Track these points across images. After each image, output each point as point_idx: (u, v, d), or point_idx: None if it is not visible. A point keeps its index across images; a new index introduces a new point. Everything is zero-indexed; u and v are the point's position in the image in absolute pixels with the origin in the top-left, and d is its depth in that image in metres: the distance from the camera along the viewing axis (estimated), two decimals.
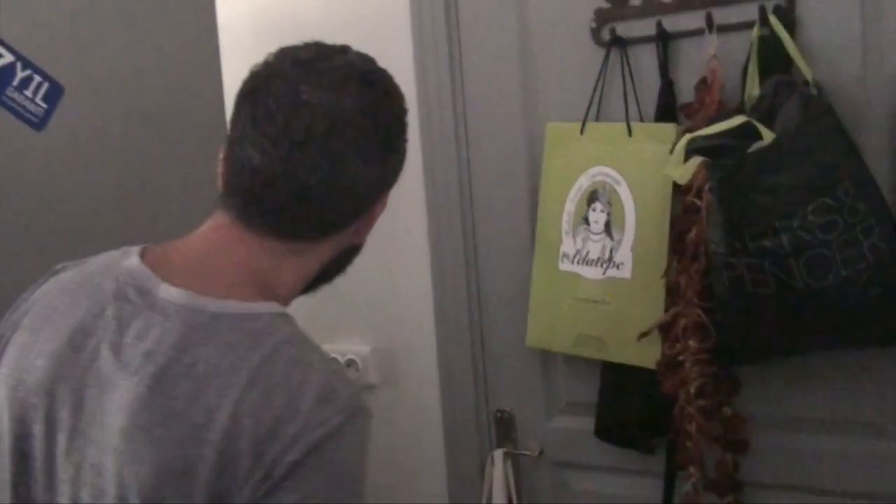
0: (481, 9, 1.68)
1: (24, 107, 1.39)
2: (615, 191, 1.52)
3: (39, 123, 1.41)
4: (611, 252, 1.52)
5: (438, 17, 1.72)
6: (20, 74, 1.37)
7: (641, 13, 1.52)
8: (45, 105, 1.42)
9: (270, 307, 0.91)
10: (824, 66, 1.36)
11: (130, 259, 0.93)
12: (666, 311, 1.43)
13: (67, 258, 1.48)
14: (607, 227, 1.53)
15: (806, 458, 1.44)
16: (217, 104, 1.75)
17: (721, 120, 1.34)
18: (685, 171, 1.29)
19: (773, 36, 1.36)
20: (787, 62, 1.35)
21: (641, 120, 1.52)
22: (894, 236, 1.21)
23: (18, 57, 1.39)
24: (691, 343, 1.38)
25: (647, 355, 1.46)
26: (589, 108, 1.56)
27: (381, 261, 1.75)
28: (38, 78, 1.40)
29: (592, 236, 1.55)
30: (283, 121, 0.89)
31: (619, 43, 1.54)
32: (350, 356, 1.82)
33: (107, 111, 1.54)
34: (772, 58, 1.36)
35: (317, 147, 0.89)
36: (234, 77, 1.91)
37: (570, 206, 1.57)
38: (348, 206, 0.94)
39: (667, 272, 1.44)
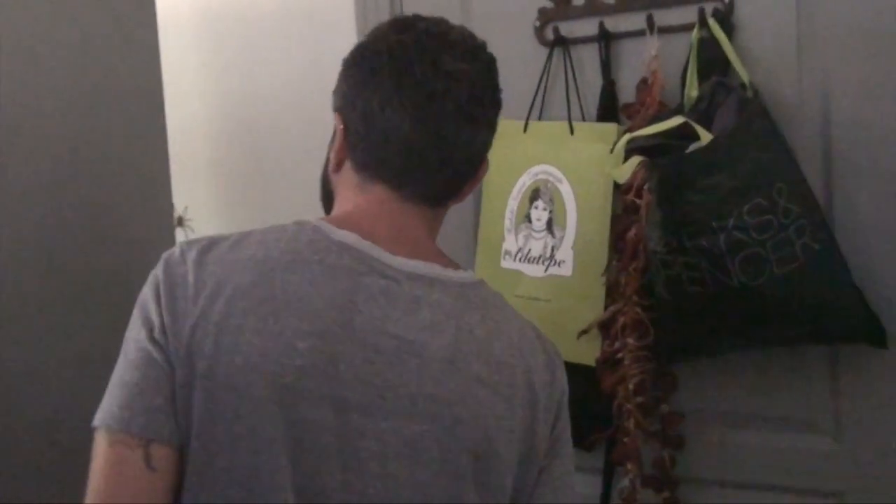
0: (425, 4, 1.67)
1: None
2: (557, 189, 1.53)
3: None
4: (552, 250, 1.53)
5: (383, 9, 1.71)
6: None
7: (584, 13, 1.53)
8: None
9: (472, 273, 0.99)
10: (760, 68, 1.39)
11: (340, 233, 0.90)
12: (606, 308, 1.45)
13: None
14: (549, 225, 1.54)
15: (741, 454, 1.47)
16: (156, 98, 1.72)
17: (660, 119, 1.36)
18: (624, 171, 1.30)
19: (712, 38, 1.39)
20: (725, 64, 1.38)
21: (584, 119, 1.54)
22: (825, 236, 1.24)
23: None
24: (630, 340, 1.40)
25: (587, 353, 1.48)
26: (532, 106, 1.56)
27: None
28: None
29: (534, 234, 1.56)
30: (432, 90, 0.92)
31: (562, 42, 1.55)
32: None
33: (40, 104, 1.50)
34: (710, 60, 1.38)
35: (462, 115, 0.94)
36: (173, 69, 1.88)
37: (512, 204, 1.58)
38: (472, 169, 1.00)
39: (607, 270, 1.45)
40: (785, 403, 1.43)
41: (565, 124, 1.53)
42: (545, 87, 1.57)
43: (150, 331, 0.86)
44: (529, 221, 1.56)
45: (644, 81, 1.45)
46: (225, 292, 0.85)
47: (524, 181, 1.57)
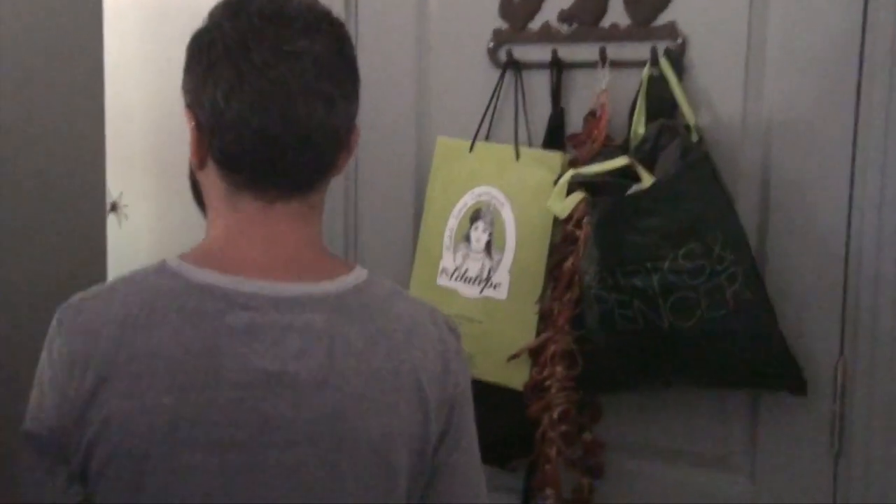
0: (380, 17, 1.66)
1: None
2: (498, 212, 1.53)
3: None
4: (489, 272, 1.53)
5: (336, 9, 1.68)
6: None
7: (538, 39, 1.54)
8: None
9: (360, 273, 0.98)
10: (707, 110, 1.41)
11: (199, 274, 0.90)
12: (538, 335, 1.46)
13: None
14: (488, 247, 1.54)
15: (659, 487, 1.49)
16: (96, 83, 1.67)
17: (606, 154, 1.37)
18: (566, 206, 1.31)
19: (662, 77, 1.40)
20: (673, 104, 1.39)
21: (530, 144, 1.54)
22: (756, 286, 1.26)
23: None
24: (559, 369, 1.41)
25: (515, 377, 1.48)
26: (480, 126, 1.56)
27: None
28: None
29: (473, 254, 1.56)
30: (275, 74, 0.89)
31: (514, 66, 1.55)
32: None
33: None
34: (659, 98, 1.40)
35: (312, 94, 0.90)
36: (115, 55, 1.83)
37: (452, 223, 1.58)
38: (339, 143, 0.96)
39: (541, 298, 1.46)
40: (705, 441, 1.46)
41: (511, 148, 1.53)
42: (494, 109, 1.56)
43: (50, 409, 0.91)
44: (468, 241, 1.56)
45: (592, 113, 1.46)
46: (93, 363, 0.88)
47: (466, 200, 1.57)
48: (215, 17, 0.94)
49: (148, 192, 2.03)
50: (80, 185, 1.67)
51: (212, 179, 0.95)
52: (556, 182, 1.37)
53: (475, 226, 1.56)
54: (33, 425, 0.91)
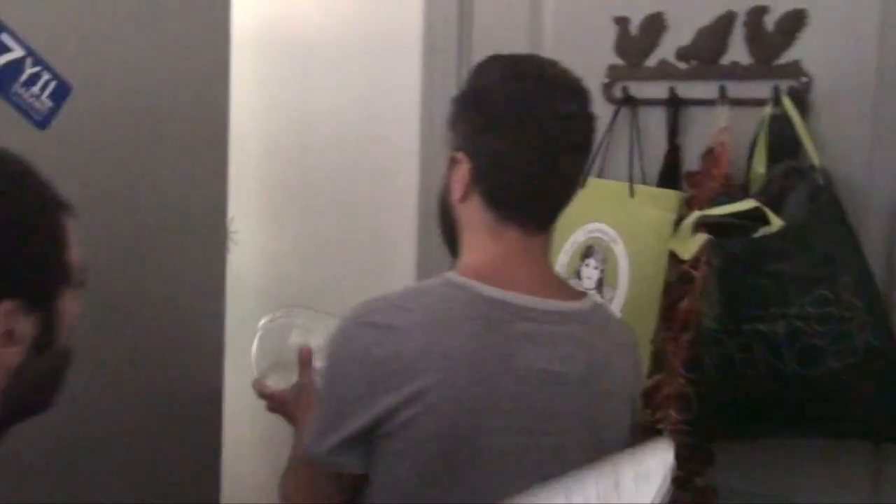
0: (495, 42, 1.67)
1: (30, 104, 1.33)
2: (611, 249, 1.51)
3: (43, 122, 1.36)
4: None
5: (450, 39, 1.71)
6: (29, 70, 1.32)
7: (655, 75, 1.53)
8: (51, 103, 1.36)
9: (590, 296, 1.15)
10: (832, 152, 1.37)
11: (487, 290, 1.03)
12: (650, 376, 1.43)
13: None
14: (599, 285, 1.52)
15: None
16: (222, 110, 1.72)
17: (727, 194, 1.35)
18: (690, 247, 1.29)
19: (785, 116, 1.37)
20: (796, 144, 1.36)
21: (644, 181, 1.52)
22: (887, 334, 1.22)
23: (29, 52, 1.34)
24: (672, 412, 1.38)
25: None
26: (593, 162, 1.55)
27: (371, 281, 1.74)
28: (46, 75, 1.35)
29: None
30: (552, 133, 1.05)
31: (629, 102, 1.54)
32: None
33: (112, 112, 1.51)
34: (781, 138, 1.37)
35: (576, 149, 1.09)
36: (241, 85, 1.88)
37: (563, 258, 1.57)
38: (578, 187, 1.13)
39: (654, 338, 1.44)
40: (822, 494, 1.40)
41: (625, 185, 1.52)
42: (608, 145, 1.56)
43: (362, 405, 1.02)
44: (579, 278, 1.55)
45: (710, 151, 1.43)
46: (406, 360, 1.00)
47: (577, 237, 1.56)
48: (492, 77, 1.09)
49: (258, 216, 2.08)
50: (203, 212, 1.72)
51: (474, 211, 1.09)
52: (678, 222, 1.35)
53: (586, 262, 1.54)
54: (342, 425, 1.02)
